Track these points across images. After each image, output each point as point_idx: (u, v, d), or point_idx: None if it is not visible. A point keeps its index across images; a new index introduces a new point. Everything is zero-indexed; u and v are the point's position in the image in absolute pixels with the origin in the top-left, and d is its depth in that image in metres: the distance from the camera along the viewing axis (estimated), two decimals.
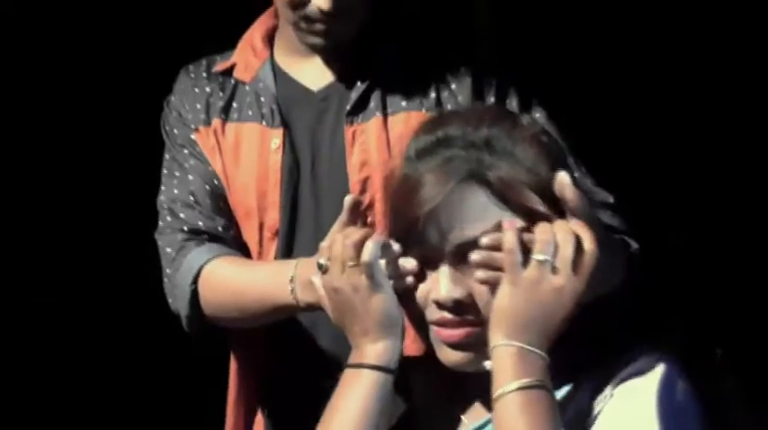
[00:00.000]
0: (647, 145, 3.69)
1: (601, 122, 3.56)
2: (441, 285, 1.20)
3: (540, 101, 1.70)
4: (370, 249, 1.21)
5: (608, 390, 1.19)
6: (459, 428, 1.29)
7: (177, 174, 1.69)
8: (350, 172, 1.61)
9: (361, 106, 1.63)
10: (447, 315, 1.21)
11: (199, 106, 1.69)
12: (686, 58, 3.68)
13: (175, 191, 1.68)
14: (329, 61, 1.66)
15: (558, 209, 1.18)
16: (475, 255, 1.16)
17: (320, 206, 1.63)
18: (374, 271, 1.22)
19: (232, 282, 1.59)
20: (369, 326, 1.23)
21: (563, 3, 3.64)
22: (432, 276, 1.22)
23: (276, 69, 1.69)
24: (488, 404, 1.17)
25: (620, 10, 3.63)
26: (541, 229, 1.14)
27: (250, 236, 1.66)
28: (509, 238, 1.13)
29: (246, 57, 1.71)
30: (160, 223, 1.69)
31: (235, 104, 1.68)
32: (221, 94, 1.69)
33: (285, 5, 1.59)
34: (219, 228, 1.65)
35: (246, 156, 1.65)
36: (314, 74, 1.68)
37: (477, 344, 1.20)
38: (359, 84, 1.63)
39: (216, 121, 1.67)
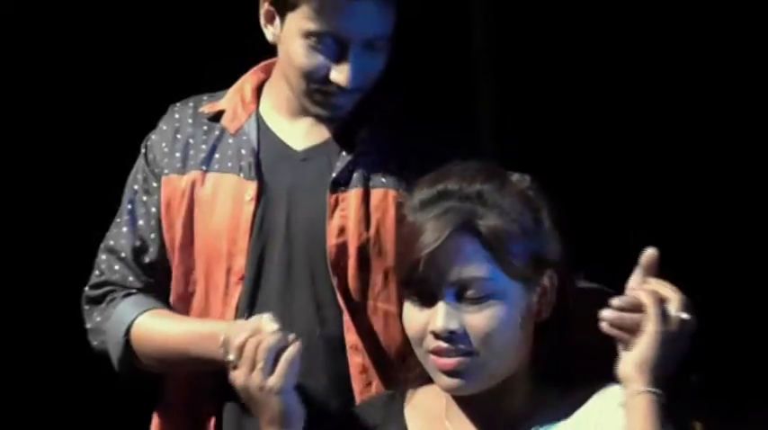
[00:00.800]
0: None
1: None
2: (437, 318, 1.39)
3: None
4: (282, 371, 1.48)
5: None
6: None
7: (126, 221, 1.82)
8: (328, 235, 1.72)
9: (344, 176, 1.74)
10: (442, 344, 1.40)
11: (178, 154, 1.79)
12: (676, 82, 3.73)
13: (119, 241, 1.82)
14: (314, 125, 1.78)
15: (536, 256, 1.42)
16: (607, 313, 1.35)
17: (293, 259, 1.73)
18: (282, 383, 1.48)
19: (163, 338, 1.75)
20: (274, 417, 1.50)
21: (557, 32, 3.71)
22: (430, 311, 1.41)
23: (261, 124, 1.80)
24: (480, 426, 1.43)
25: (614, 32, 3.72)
26: (666, 288, 1.36)
27: (218, 279, 1.76)
28: (652, 303, 1.34)
29: (235, 106, 1.81)
30: (95, 267, 1.83)
31: (217, 155, 1.78)
32: (204, 141, 1.79)
33: (301, 77, 1.71)
34: (145, 284, 1.80)
35: (222, 204, 1.75)
36: (298, 134, 1.79)
37: (469, 372, 1.41)
38: (344, 154, 1.75)
39: (195, 173, 1.78)
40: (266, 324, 1.53)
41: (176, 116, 1.83)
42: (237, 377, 1.50)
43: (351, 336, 1.73)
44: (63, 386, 3.65)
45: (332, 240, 1.71)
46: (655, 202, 3.69)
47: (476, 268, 1.39)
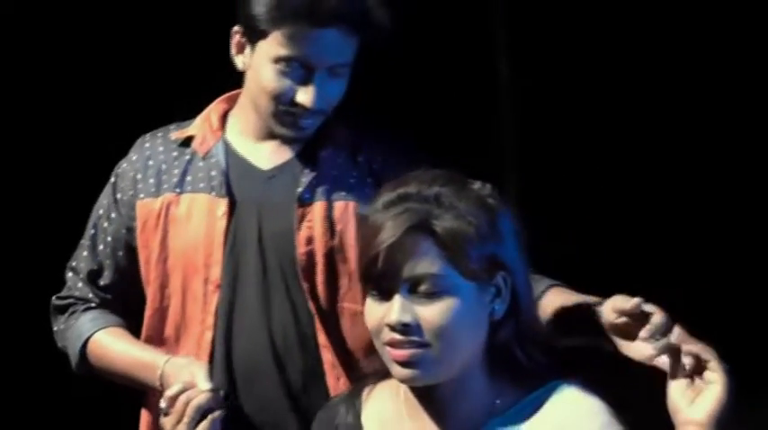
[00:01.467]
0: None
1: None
2: (392, 311, 1.45)
3: None
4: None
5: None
6: None
7: (87, 245, 2.01)
8: (298, 244, 1.88)
9: (309, 191, 1.90)
10: (396, 336, 1.46)
11: (151, 180, 1.95)
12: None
13: (80, 262, 2.01)
14: (278, 147, 1.94)
15: (490, 258, 1.47)
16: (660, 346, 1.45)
17: (267, 267, 1.89)
18: None
19: (111, 359, 1.95)
20: None
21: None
22: (387, 304, 1.47)
23: (228, 147, 1.96)
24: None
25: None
26: (704, 349, 1.44)
27: (195, 289, 1.90)
28: (714, 358, 1.43)
29: (204, 132, 1.97)
30: (66, 281, 2.05)
31: (189, 177, 1.93)
32: (176, 165, 1.95)
33: (270, 99, 1.86)
34: (102, 300, 2.00)
35: (197, 221, 1.91)
36: (263, 155, 1.94)
37: (422, 363, 1.46)
38: (307, 171, 1.91)
39: (170, 195, 1.93)
40: (200, 381, 1.71)
41: (147, 145, 2.00)
42: (165, 424, 1.70)
43: (322, 336, 1.88)
44: (49, 384, 3.62)
45: (301, 249, 1.88)
46: (670, 227, 3.92)
47: (429, 265, 1.45)
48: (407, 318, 1.44)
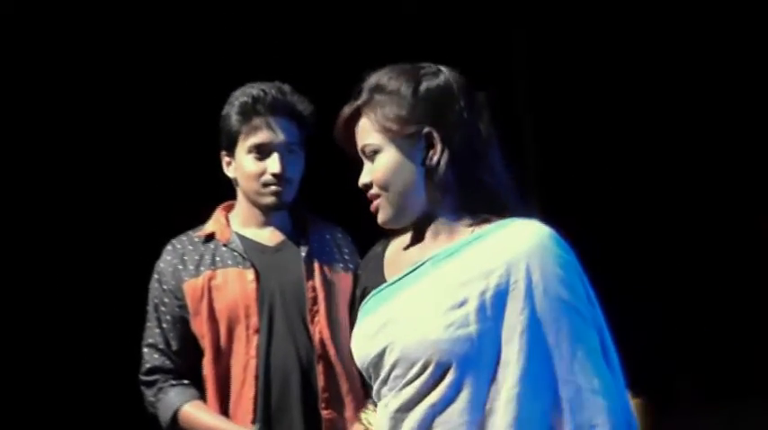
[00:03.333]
0: None
1: None
2: (362, 176, 1.88)
3: None
4: None
5: None
6: None
7: (154, 325, 2.70)
8: (307, 293, 2.68)
9: (309, 257, 2.70)
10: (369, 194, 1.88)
11: (191, 266, 2.68)
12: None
13: (154, 337, 2.71)
14: (273, 231, 2.70)
15: (416, 122, 1.82)
16: None
17: (289, 313, 2.66)
18: None
19: (199, 426, 2.67)
20: None
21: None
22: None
23: (239, 235, 2.70)
24: None
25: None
26: None
27: (239, 333, 2.65)
28: None
29: (220, 228, 2.72)
30: (142, 358, 2.73)
31: (218, 259, 2.68)
32: (205, 253, 2.69)
33: (253, 180, 2.63)
34: (177, 365, 2.68)
35: (232, 287, 2.66)
36: (265, 237, 2.72)
37: (381, 209, 1.84)
38: (302, 244, 2.70)
39: (208, 272, 2.66)
40: None
41: (178, 246, 2.73)
42: None
43: (326, 352, 2.67)
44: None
45: (310, 295, 2.66)
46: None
47: (366, 137, 1.85)
48: (366, 179, 1.87)
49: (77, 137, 4.23)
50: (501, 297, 1.74)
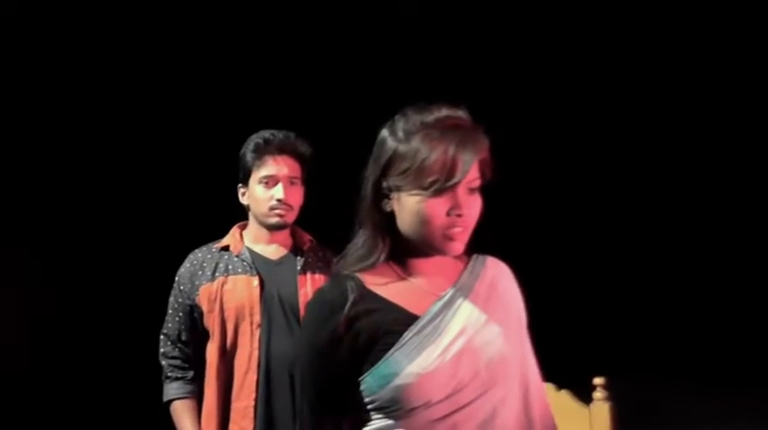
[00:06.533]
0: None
1: None
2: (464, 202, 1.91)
3: None
4: None
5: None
6: None
7: (172, 318, 3.23)
8: (300, 298, 3.18)
9: (303, 269, 3.24)
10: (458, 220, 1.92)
11: (208, 272, 3.23)
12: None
13: (169, 325, 3.23)
14: (277, 248, 3.27)
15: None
16: None
17: (286, 313, 3.19)
18: None
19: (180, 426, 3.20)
20: None
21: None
22: (444, 199, 1.90)
23: (249, 250, 3.26)
24: None
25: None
26: None
27: (245, 328, 3.18)
28: None
29: (235, 242, 3.28)
30: (160, 344, 3.27)
31: (230, 267, 3.23)
32: (220, 262, 3.24)
33: (262, 205, 3.19)
34: (185, 351, 3.22)
35: (240, 290, 3.21)
36: (270, 252, 3.27)
37: (465, 240, 1.94)
38: (299, 259, 3.25)
39: (222, 277, 3.22)
40: None
41: (199, 255, 3.28)
42: None
43: None
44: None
45: (303, 300, 3.18)
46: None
47: (475, 171, 1.93)
48: (466, 210, 1.89)
49: (77, 141, 4.35)
50: None
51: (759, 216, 4.16)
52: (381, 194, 1.95)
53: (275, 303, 3.17)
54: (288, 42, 4.29)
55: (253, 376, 3.11)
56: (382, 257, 1.97)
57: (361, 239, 2.00)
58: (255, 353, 3.12)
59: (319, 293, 2.00)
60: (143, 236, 4.45)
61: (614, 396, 2.67)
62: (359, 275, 1.98)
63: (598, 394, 2.68)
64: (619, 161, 4.33)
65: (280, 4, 4.26)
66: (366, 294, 1.95)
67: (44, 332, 4.32)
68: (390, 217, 1.96)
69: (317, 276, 3.22)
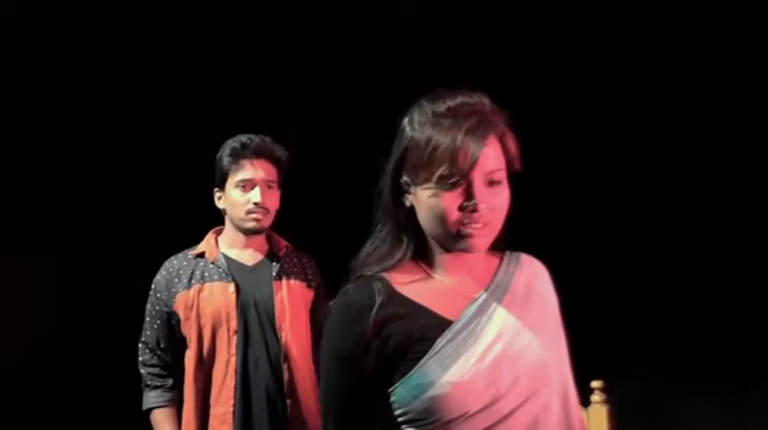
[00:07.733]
0: None
1: None
2: (481, 196, 1.76)
3: None
4: None
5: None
6: None
7: (149, 326, 3.23)
8: (276, 304, 3.21)
9: (278, 275, 3.24)
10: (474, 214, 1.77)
11: (185, 279, 3.22)
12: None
13: (147, 333, 3.23)
14: (252, 253, 3.26)
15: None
16: None
17: (261, 320, 3.20)
18: None
19: None
20: None
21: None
22: (457, 192, 1.77)
23: (225, 256, 3.25)
24: None
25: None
26: None
27: (222, 334, 3.19)
28: None
29: (210, 248, 3.27)
30: (139, 352, 3.27)
31: (206, 274, 3.23)
32: (196, 269, 3.23)
33: (239, 208, 3.18)
34: (164, 358, 3.23)
35: (216, 297, 3.20)
36: (246, 258, 3.27)
37: (488, 235, 1.79)
38: (274, 264, 3.24)
39: (198, 285, 3.21)
40: None
41: (175, 262, 3.27)
42: None
43: (289, 352, 3.21)
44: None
45: (278, 306, 3.21)
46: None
47: (497, 163, 1.81)
48: (486, 203, 1.75)
49: (77, 143, 4.38)
50: None
51: (759, 217, 4.14)
52: (401, 189, 1.83)
53: (251, 310, 3.19)
54: (275, 45, 4.33)
55: (231, 382, 3.13)
56: (408, 254, 1.85)
57: (380, 236, 1.87)
58: (233, 359, 3.14)
59: (343, 295, 1.83)
60: (118, 242, 4.45)
61: (612, 398, 2.64)
62: (385, 275, 1.84)
63: (596, 397, 2.67)
64: (619, 161, 4.32)
65: (267, 7, 4.27)
66: (394, 296, 1.81)
67: (18, 342, 4.31)
68: (412, 212, 1.83)
69: (292, 282, 3.24)
